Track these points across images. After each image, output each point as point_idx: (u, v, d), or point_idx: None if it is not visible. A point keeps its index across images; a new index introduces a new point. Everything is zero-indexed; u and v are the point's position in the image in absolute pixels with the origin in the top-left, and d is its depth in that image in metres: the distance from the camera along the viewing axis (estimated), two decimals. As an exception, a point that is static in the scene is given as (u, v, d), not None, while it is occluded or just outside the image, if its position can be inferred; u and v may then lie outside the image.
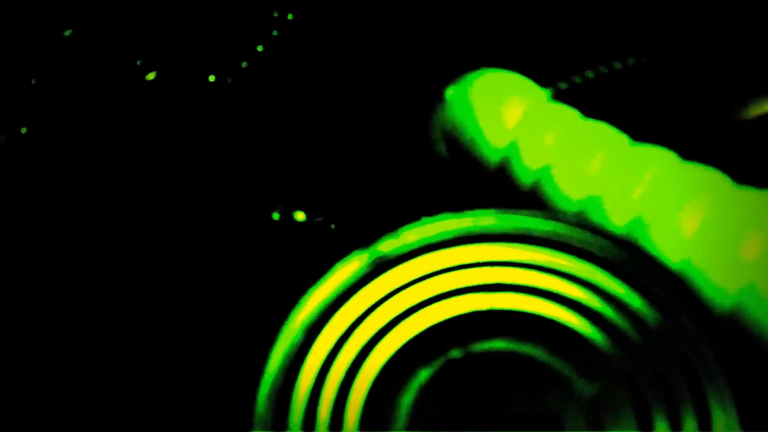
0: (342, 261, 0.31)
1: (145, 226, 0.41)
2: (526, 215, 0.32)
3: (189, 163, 0.42)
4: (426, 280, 0.31)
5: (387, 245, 0.31)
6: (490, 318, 0.30)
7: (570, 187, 0.36)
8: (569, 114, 0.39)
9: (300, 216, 0.39)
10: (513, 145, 0.39)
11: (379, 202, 0.41)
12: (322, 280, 0.30)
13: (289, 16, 0.44)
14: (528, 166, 0.38)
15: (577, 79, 0.45)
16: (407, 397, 0.29)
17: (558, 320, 0.30)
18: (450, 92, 0.41)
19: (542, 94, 0.41)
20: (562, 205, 0.36)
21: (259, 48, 0.43)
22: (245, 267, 0.39)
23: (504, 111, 0.40)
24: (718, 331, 0.29)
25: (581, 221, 0.32)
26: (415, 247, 0.31)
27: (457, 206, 0.33)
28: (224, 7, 0.44)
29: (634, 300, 0.30)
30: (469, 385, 0.29)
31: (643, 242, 0.33)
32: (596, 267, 0.31)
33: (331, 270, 0.31)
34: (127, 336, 0.39)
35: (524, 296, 0.30)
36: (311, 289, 0.30)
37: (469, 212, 0.32)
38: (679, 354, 0.29)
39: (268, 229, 0.39)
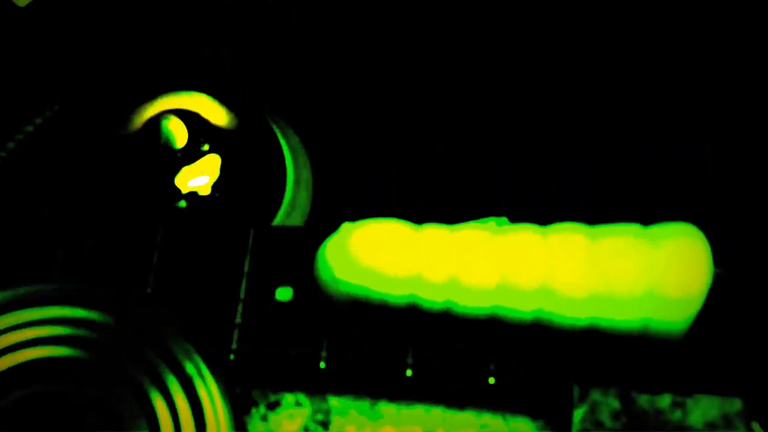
0: None
1: None
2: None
3: None
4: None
5: None
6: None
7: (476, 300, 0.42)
8: (439, 234, 0.42)
9: None
10: (413, 293, 0.42)
11: None
12: None
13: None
14: (434, 300, 0.42)
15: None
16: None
17: (47, 356, 0.38)
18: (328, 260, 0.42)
19: (403, 227, 0.42)
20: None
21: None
22: None
23: (392, 263, 0.41)
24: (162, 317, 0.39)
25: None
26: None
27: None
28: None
29: (104, 318, 0.39)
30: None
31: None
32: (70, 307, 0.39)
33: None
34: None
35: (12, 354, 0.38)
36: None
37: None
38: (152, 343, 0.38)
39: None
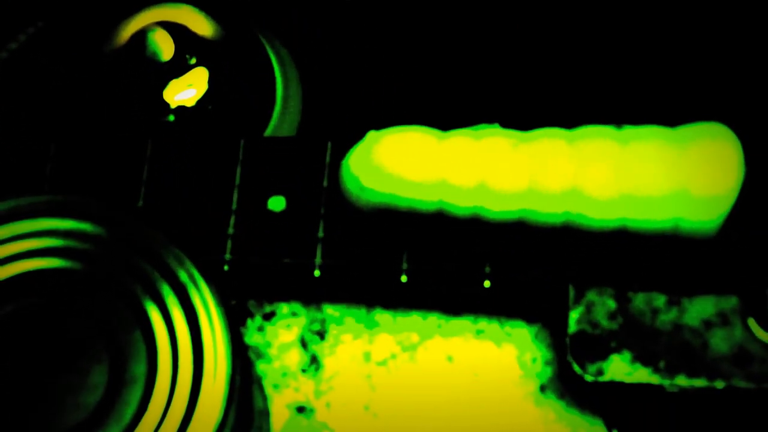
0: None
1: None
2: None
3: None
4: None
5: None
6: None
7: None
8: (461, 142, 0.42)
9: None
10: (441, 199, 0.41)
11: None
12: None
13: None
14: (463, 205, 0.41)
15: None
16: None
17: (40, 268, 0.38)
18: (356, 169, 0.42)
19: (428, 135, 0.42)
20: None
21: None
22: None
23: (420, 169, 0.41)
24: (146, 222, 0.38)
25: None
26: None
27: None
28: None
29: (96, 229, 0.38)
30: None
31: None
32: (64, 219, 0.39)
33: None
34: None
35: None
36: None
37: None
38: (145, 252, 0.38)
39: None
